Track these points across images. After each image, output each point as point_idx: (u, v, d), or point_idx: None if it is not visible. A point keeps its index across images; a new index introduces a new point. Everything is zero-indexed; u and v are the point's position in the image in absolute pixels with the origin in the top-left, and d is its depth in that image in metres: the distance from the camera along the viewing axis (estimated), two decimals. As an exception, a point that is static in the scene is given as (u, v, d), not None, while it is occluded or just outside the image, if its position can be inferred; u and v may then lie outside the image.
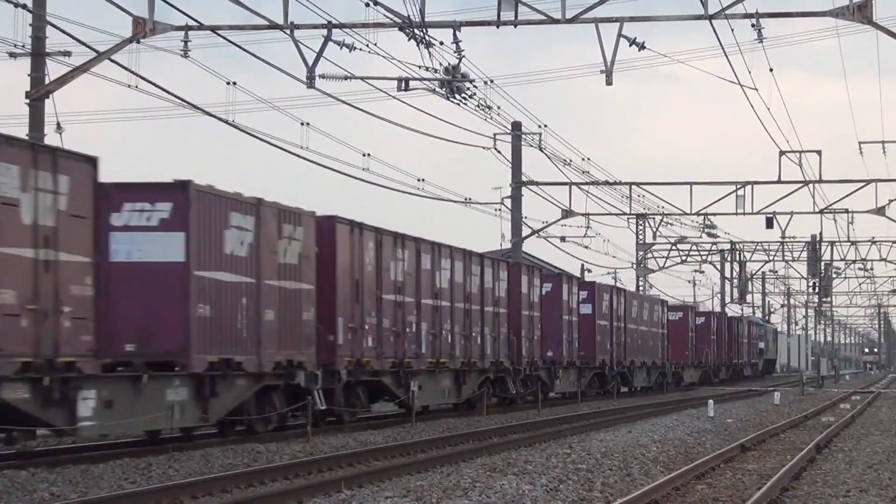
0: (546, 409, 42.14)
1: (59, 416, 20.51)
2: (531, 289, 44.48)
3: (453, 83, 33.80)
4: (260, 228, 26.10)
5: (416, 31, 31.04)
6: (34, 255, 19.66)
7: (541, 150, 50.97)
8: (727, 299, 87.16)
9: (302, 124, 35.96)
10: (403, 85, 34.22)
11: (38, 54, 30.64)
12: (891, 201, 58.06)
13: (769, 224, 60.55)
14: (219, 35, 32.06)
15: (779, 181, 54.39)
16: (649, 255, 73.74)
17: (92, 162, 21.13)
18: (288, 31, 31.78)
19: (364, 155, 39.99)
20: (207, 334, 24.40)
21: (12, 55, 31.40)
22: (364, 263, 31.23)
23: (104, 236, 22.32)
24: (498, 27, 31.71)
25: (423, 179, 45.29)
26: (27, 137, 19.78)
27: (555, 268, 61.89)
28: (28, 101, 30.68)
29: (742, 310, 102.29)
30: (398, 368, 33.16)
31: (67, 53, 31.08)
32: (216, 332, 24.70)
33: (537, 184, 54.72)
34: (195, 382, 24.20)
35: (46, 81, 30.62)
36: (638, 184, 59.64)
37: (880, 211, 57.79)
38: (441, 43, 32.05)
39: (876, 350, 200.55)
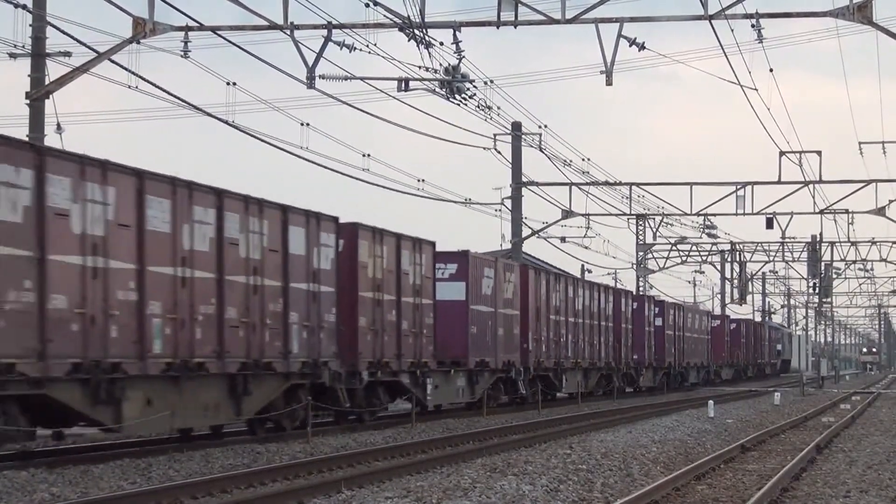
0: (546, 409, 42.22)
1: (420, 392, 34.52)
2: (626, 307, 57.71)
3: (453, 83, 33.78)
4: (496, 276, 40.05)
5: (416, 31, 31.02)
6: (413, 301, 33.83)
7: (541, 150, 50.99)
8: (727, 300, 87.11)
9: (302, 125, 35.96)
10: (403, 85, 34.19)
11: (38, 55, 30.63)
12: (891, 202, 58.03)
13: (769, 224, 60.50)
14: (219, 35, 32.04)
15: (779, 181, 54.34)
16: (649, 255, 73.69)
17: (433, 244, 35.39)
18: (288, 32, 31.75)
19: (364, 155, 40.00)
20: (475, 344, 38.33)
21: (12, 56, 31.39)
22: (540, 295, 45.14)
23: None
24: (498, 27, 31.68)
25: (423, 180, 45.36)
26: (413, 235, 34.16)
27: (555, 269, 61.91)
28: (28, 101, 30.68)
29: (768, 317, 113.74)
30: (557, 367, 46.97)
31: (67, 54, 31.08)
32: (478, 343, 38.65)
33: (537, 184, 54.71)
34: (468, 374, 38.42)
35: (46, 82, 30.61)
36: (638, 184, 59.63)
37: (880, 211, 57.75)
38: (441, 43, 32.03)
39: (875, 350, 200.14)
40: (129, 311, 21.96)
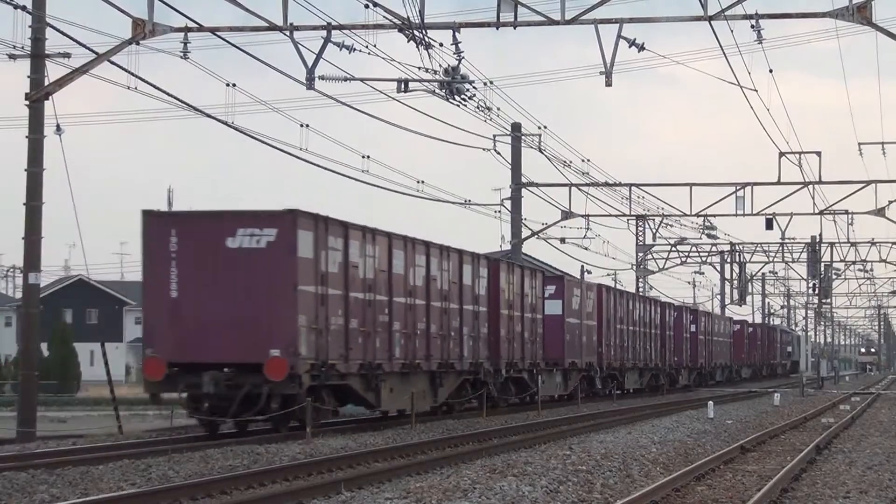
0: (546, 410, 42.21)
1: (535, 386, 43.93)
2: (669, 317, 68.12)
3: (453, 84, 33.73)
4: (581, 294, 50.70)
5: (416, 32, 31.00)
6: (531, 315, 44.38)
7: (540, 151, 50.98)
8: (727, 301, 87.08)
9: (301, 126, 35.88)
10: (403, 86, 34.13)
11: (38, 56, 30.62)
12: (890, 202, 57.98)
13: (769, 225, 60.42)
14: (218, 36, 32.00)
15: (778, 182, 54.30)
16: (649, 256, 73.68)
17: (543, 272, 46.06)
18: (287, 33, 31.71)
19: (364, 157, 39.92)
20: (568, 349, 48.28)
21: (12, 57, 31.37)
22: (609, 308, 55.15)
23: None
24: (497, 28, 31.66)
25: (422, 181, 45.24)
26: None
27: (555, 269, 61.91)
28: (28, 102, 30.67)
29: (769, 318, 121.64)
30: (621, 367, 57.03)
31: (67, 55, 31.05)
32: (571, 347, 48.81)
33: (537, 185, 54.67)
34: (563, 372, 48.34)
35: (46, 83, 30.60)
36: (638, 185, 59.59)
37: (880, 212, 57.72)
38: (440, 44, 31.96)
39: (874, 350, 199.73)
40: (384, 329, 32.30)
